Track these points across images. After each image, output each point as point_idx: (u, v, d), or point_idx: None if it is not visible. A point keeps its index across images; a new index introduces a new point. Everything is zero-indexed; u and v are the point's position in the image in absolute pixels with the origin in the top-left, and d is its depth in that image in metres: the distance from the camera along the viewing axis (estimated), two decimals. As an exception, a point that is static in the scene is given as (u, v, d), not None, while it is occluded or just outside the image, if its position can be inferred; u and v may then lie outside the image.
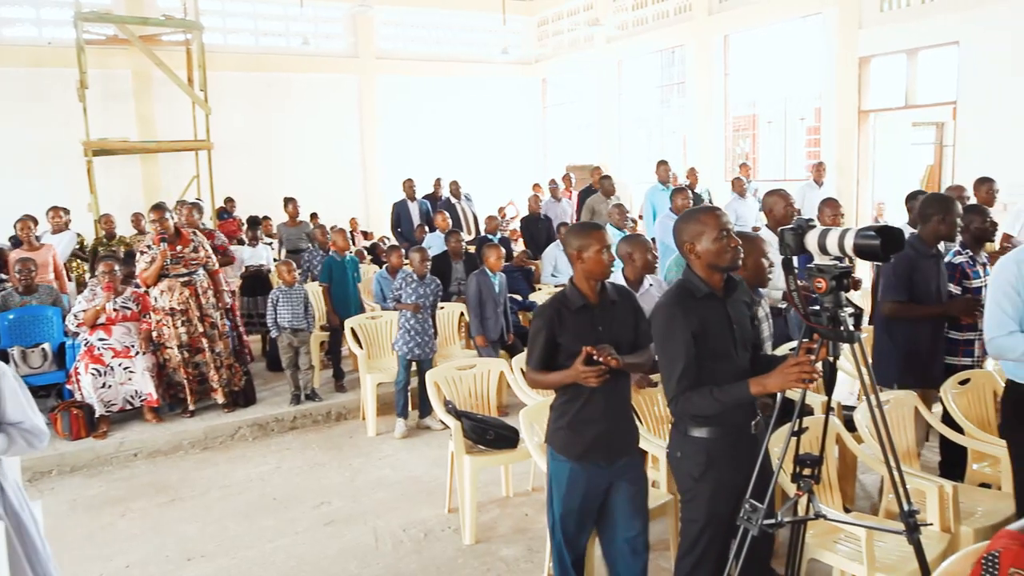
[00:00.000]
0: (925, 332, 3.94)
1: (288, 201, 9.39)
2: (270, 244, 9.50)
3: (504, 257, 6.39)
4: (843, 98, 10.64)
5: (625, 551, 3.08)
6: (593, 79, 15.64)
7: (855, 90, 10.47)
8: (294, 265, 6.47)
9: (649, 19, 14.01)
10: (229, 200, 12.29)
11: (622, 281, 4.28)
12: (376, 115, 15.42)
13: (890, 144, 10.73)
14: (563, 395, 2.98)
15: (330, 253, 7.05)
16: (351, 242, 9.13)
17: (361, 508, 4.67)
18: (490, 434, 4.26)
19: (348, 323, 6.38)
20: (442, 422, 5.03)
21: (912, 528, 2.42)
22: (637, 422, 3.43)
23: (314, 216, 11.51)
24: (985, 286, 4.08)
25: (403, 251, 6.86)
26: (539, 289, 7.73)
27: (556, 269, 7.97)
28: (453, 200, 10.41)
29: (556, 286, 7.64)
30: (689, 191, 7.65)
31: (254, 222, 9.43)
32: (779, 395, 2.54)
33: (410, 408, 5.99)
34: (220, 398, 6.04)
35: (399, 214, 10.17)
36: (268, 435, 6.02)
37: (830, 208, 5.03)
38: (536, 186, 12.40)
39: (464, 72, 16.17)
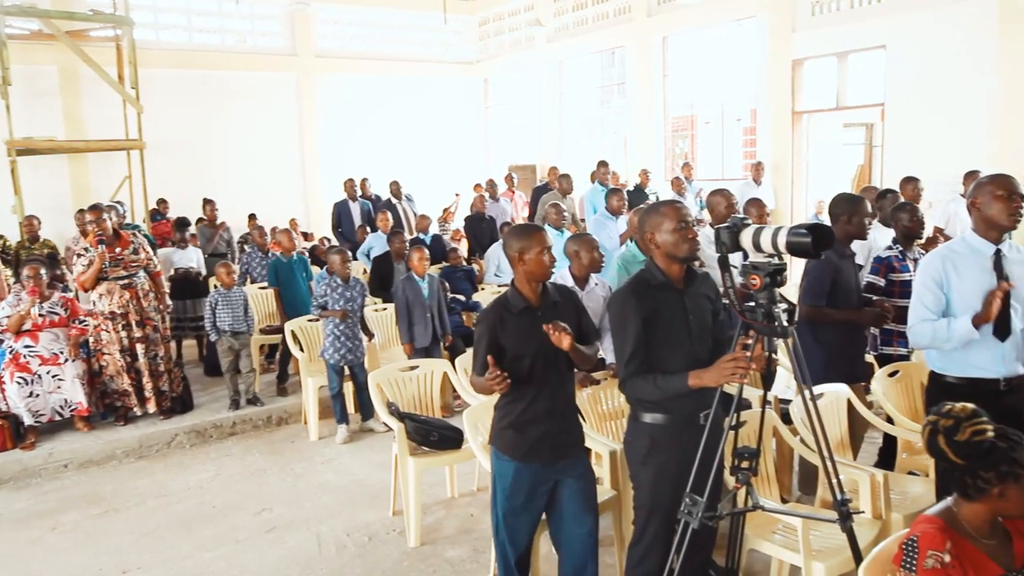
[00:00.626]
0: (847, 331, 4.05)
1: (206, 203, 9.19)
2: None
3: (431, 259, 6.25)
4: (777, 99, 10.91)
5: (576, 548, 3.10)
6: (534, 79, 15.70)
7: (789, 92, 10.76)
8: (233, 267, 6.32)
9: (589, 20, 14.14)
10: (162, 201, 11.95)
11: (570, 279, 4.31)
12: (316, 114, 15.19)
13: (823, 144, 11.06)
14: (507, 396, 2.98)
15: (276, 255, 6.93)
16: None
17: (304, 514, 4.59)
18: (434, 435, 4.23)
19: (288, 326, 6.27)
20: (385, 424, 4.98)
21: (845, 516, 2.50)
22: (581, 420, 3.46)
23: (252, 217, 11.29)
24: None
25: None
26: (483, 289, 7.71)
27: (499, 269, 7.98)
28: (394, 200, 10.33)
29: (500, 286, 7.65)
30: (625, 192, 7.74)
31: (182, 223, 9.16)
32: (719, 390, 2.59)
33: (351, 412, 5.92)
34: (152, 407, 5.85)
35: (340, 214, 10.04)
36: (207, 442, 5.87)
37: (756, 207, 5.14)
38: (478, 186, 12.38)
39: (405, 72, 16.06)
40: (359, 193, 10.65)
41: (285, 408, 6.34)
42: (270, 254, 7.48)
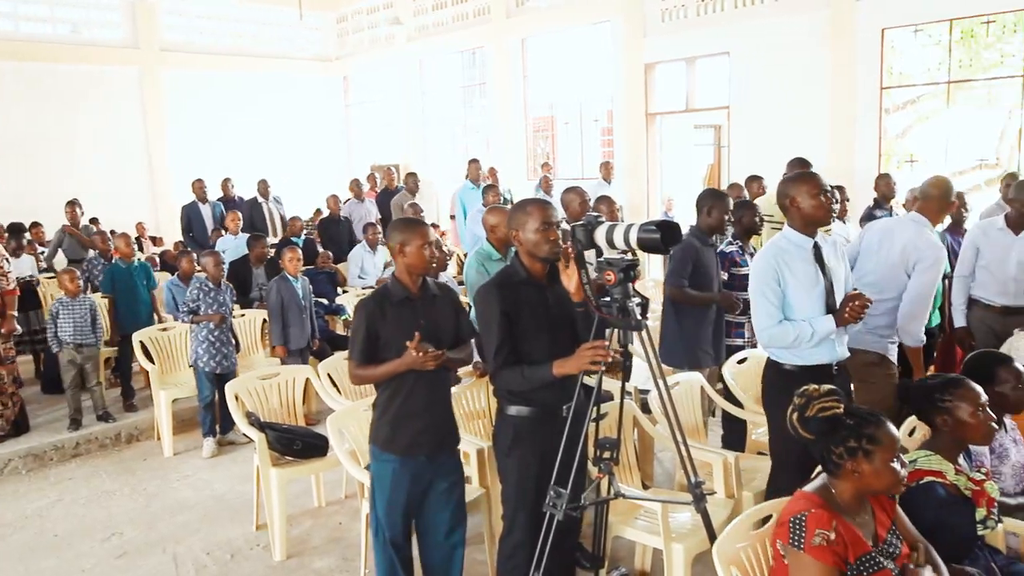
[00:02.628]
0: (708, 317, 4.30)
1: (70, 204, 8.52)
2: (42, 253, 8.58)
3: (304, 260, 6.12)
4: (631, 101, 11.34)
5: (443, 545, 3.13)
6: (395, 78, 15.55)
7: (642, 94, 11.21)
8: (78, 274, 5.85)
9: (449, 20, 14.15)
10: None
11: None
12: (164, 112, 14.32)
13: (675, 145, 11.61)
14: (385, 390, 2.98)
15: (114, 260, 6.48)
16: (137, 248, 8.46)
17: (158, 535, 4.33)
18: (297, 444, 4.11)
19: (137, 336, 5.88)
20: (246, 435, 4.77)
21: (699, 498, 2.62)
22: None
23: (94, 221, 10.51)
24: (754, 273, 4.53)
25: (195, 257, 6.43)
26: (346, 292, 7.55)
27: (363, 271, 7.83)
28: (260, 200, 9.93)
29: (364, 288, 7.51)
30: (499, 188, 7.82)
31: (16, 229, 8.40)
32: (579, 379, 2.66)
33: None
34: None
35: (190, 217, 9.54)
36: (46, 466, 5.42)
37: (606, 204, 5.34)
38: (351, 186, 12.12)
39: (261, 68, 15.46)
40: (219, 194, 10.12)
41: (135, 424, 5.95)
42: (115, 260, 7.00)
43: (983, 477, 2.55)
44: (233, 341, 5.65)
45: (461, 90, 15.00)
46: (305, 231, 9.88)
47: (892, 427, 2.20)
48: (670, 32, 10.73)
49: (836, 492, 2.21)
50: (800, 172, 3.27)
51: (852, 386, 3.49)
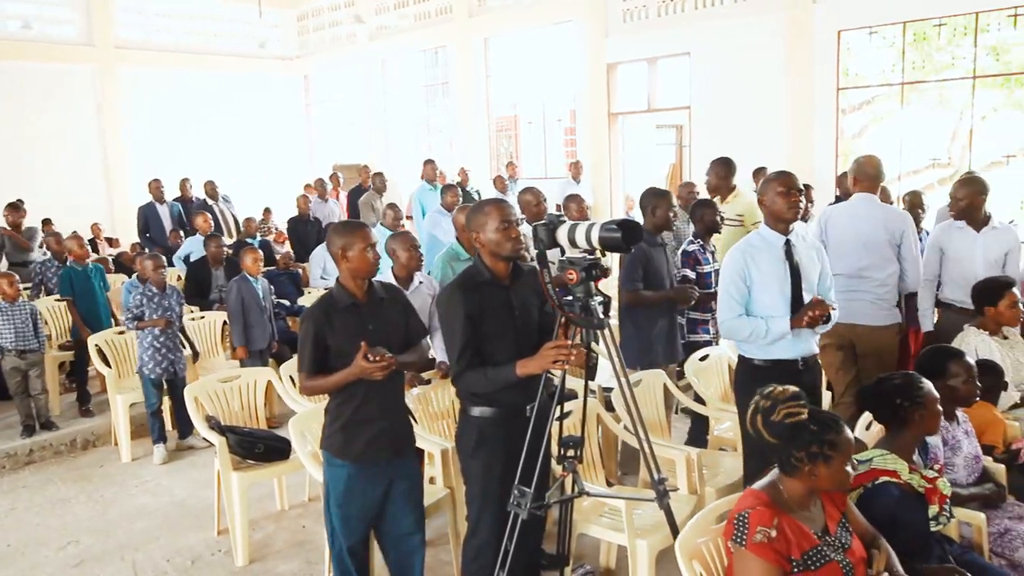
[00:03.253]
0: (662, 317, 4.33)
1: (10, 206, 8.27)
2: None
3: (263, 260, 6.05)
4: (594, 101, 11.41)
5: (403, 548, 3.10)
6: (358, 77, 15.44)
7: (604, 94, 11.28)
8: (16, 278, 5.68)
9: (411, 19, 14.09)
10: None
11: (392, 280, 4.26)
12: (120, 110, 14.04)
13: (637, 144, 11.70)
14: (337, 397, 2.93)
15: (68, 263, 6.34)
16: (91, 250, 8.27)
17: (116, 542, 4.24)
18: (259, 447, 4.06)
19: (92, 340, 5.75)
20: (206, 440, 4.70)
21: (662, 494, 2.64)
22: (412, 421, 3.44)
23: (47, 223, 10.26)
24: (715, 271, 4.59)
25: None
26: (309, 293, 7.48)
27: (325, 271, 7.75)
28: (210, 202, 9.77)
29: (326, 289, 7.43)
30: (459, 188, 7.80)
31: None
32: (542, 379, 2.67)
33: (169, 429, 5.54)
34: None
35: (147, 218, 9.36)
36: (-2, 474, 5.29)
37: (575, 203, 5.36)
38: (308, 186, 12.00)
39: (220, 66, 15.23)
40: (176, 194, 9.93)
41: (91, 430, 5.82)
42: (70, 263, 6.84)
43: (936, 474, 2.61)
44: (182, 346, 5.52)
45: (424, 89, 14.95)
46: (260, 232, 9.78)
47: (850, 432, 2.24)
48: (632, 32, 10.81)
49: (785, 489, 2.24)
50: (775, 171, 3.35)
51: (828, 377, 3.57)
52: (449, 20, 13.29)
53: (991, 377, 3.49)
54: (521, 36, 12.71)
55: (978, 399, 3.22)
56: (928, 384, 2.72)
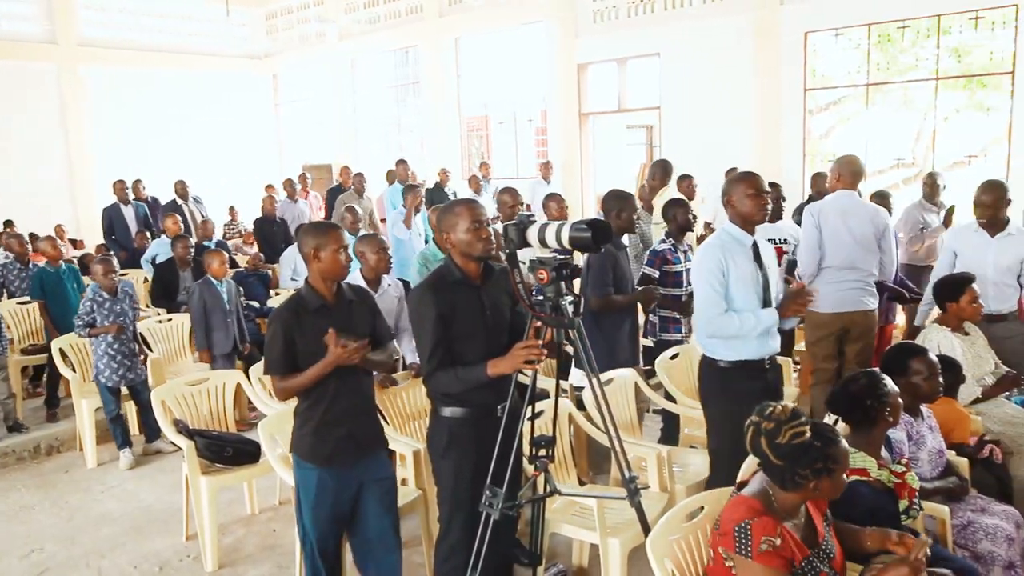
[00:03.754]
0: (626, 319, 4.35)
1: None
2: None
3: (228, 262, 5.95)
4: (565, 101, 11.44)
5: (377, 550, 3.09)
6: (327, 76, 15.32)
7: (575, 94, 11.31)
8: None
9: (381, 18, 14.01)
10: None
11: (362, 283, 4.23)
12: (84, 110, 13.78)
13: (608, 144, 11.75)
14: (306, 399, 2.92)
15: (41, 265, 6.22)
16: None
17: (82, 549, 4.16)
18: (228, 451, 4.01)
19: (56, 343, 5.64)
20: (174, 443, 4.63)
21: (633, 492, 2.66)
22: (383, 422, 3.42)
23: (9, 224, 10.05)
24: (686, 270, 4.62)
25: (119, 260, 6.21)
26: (279, 294, 7.40)
27: (296, 273, 7.68)
28: (180, 202, 9.63)
29: (296, 289, 7.36)
30: (421, 189, 7.76)
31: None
32: (513, 379, 2.67)
33: (135, 434, 5.45)
34: None
35: (111, 219, 9.21)
36: (-42, 481, 5.16)
37: (555, 202, 5.37)
38: (270, 187, 11.88)
39: (187, 65, 15.02)
40: (132, 196, 9.76)
41: (56, 435, 5.71)
42: (31, 265, 6.72)
43: (904, 469, 2.65)
44: (138, 351, 5.40)
45: (394, 89, 14.87)
46: (228, 233, 9.68)
47: (844, 442, 2.26)
48: (602, 33, 10.86)
49: (777, 498, 2.24)
50: (742, 172, 3.35)
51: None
52: (419, 20, 13.25)
53: (950, 373, 3.56)
54: (492, 36, 12.71)
55: (941, 395, 3.28)
56: (889, 381, 2.77)
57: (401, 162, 9.50)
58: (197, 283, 5.68)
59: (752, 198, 3.19)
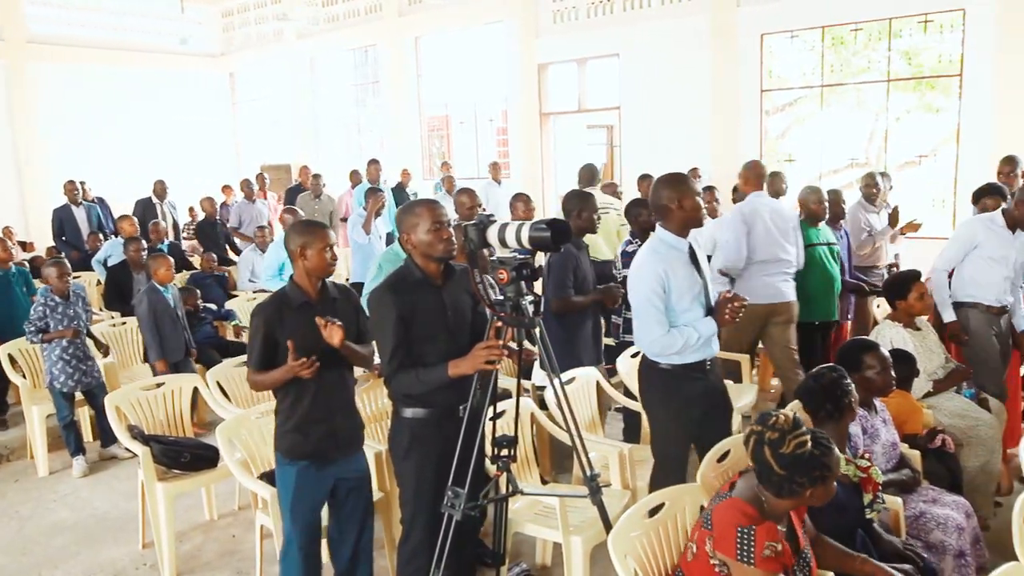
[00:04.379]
0: (589, 319, 4.37)
1: None
2: None
3: (173, 267, 5.77)
4: (526, 101, 11.46)
5: (351, 550, 3.10)
6: (286, 75, 15.13)
7: (536, 94, 11.34)
8: None
9: (340, 17, 13.89)
10: None
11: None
12: (33, 109, 13.38)
13: (569, 145, 11.79)
14: (286, 397, 2.93)
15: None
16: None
17: (33, 560, 4.05)
18: (185, 456, 3.93)
19: (4, 348, 5.47)
20: (129, 450, 4.53)
21: (594, 491, 2.67)
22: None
23: (-46, 226, 9.75)
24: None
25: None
26: (235, 296, 7.29)
27: (254, 274, 7.58)
28: (155, 200, 9.44)
29: (255, 291, 7.27)
30: (383, 193, 7.70)
31: None
32: (475, 379, 2.66)
33: (89, 440, 5.32)
34: None
35: (62, 221, 8.98)
36: (-99, 492, 4.99)
37: (522, 202, 5.36)
38: (227, 187, 11.70)
39: (141, 63, 14.69)
40: (80, 196, 9.51)
41: (5, 443, 5.55)
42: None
43: (868, 464, 2.70)
44: (93, 354, 5.25)
45: (354, 89, 14.75)
46: (184, 234, 9.52)
47: (837, 449, 2.30)
48: (562, 33, 10.90)
49: (769, 503, 2.25)
50: (675, 174, 3.22)
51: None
52: (379, 19, 13.16)
53: (904, 366, 3.64)
54: (452, 36, 12.67)
55: (894, 388, 3.36)
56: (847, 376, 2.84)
57: (373, 162, 9.42)
58: (143, 291, 5.51)
59: (694, 199, 3.10)
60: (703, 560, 2.26)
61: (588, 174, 6.76)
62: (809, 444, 2.20)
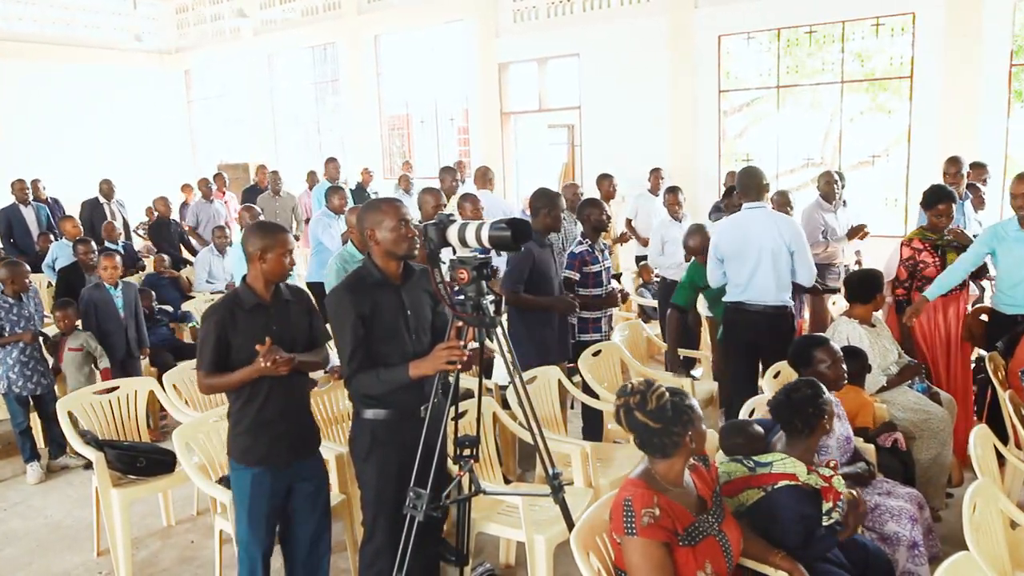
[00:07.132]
0: (552, 316, 4.38)
1: None
2: None
3: (120, 266, 5.64)
4: (487, 100, 11.46)
5: (308, 555, 3.06)
6: (243, 73, 14.90)
7: (497, 93, 11.34)
8: None
9: (298, 14, 13.73)
10: None
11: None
12: (-21, 106, 13.03)
13: (530, 144, 11.82)
14: (238, 399, 2.88)
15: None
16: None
17: (-18, 571, 3.94)
18: (141, 461, 3.85)
19: (-50, 354, 5.30)
20: (81, 456, 4.42)
21: (556, 489, 2.68)
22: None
23: None
24: (604, 270, 4.66)
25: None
26: (192, 298, 7.16)
27: (211, 275, 7.45)
28: (103, 200, 9.21)
29: (212, 293, 7.15)
30: (345, 190, 7.64)
31: None
32: (436, 380, 2.66)
33: (41, 447, 5.18)
34: None
35: (10, 221, 8.73)
36: None
37: (470, 203, 5.35)
38: (187, 187, 11.48)
39: (93, 59, 14.35)
40: (31, 196, 9.24)
41: (-48, 451, 5.39)
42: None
43: (831, 473, 2.74)
44: (46, 358, 5.13)
45: (313, 87, 14.59)
46: (139, 232, 9.31)
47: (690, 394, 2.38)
48: (522, 33, 10.92)
49: (659, 471, 2.32)
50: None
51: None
52: (338, 16, 13.03)
53: (856, 362, 3.72)
54: (412, 34, 12.61)
55: (846, 383, 3.43)
56: (826, 391, 2.86)
57: (331, 160, 9.33)
58: (86, 289, 5.39)
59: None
60: (618, 550, 2.31)
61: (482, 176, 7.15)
62: (668, 394, 2.30)
